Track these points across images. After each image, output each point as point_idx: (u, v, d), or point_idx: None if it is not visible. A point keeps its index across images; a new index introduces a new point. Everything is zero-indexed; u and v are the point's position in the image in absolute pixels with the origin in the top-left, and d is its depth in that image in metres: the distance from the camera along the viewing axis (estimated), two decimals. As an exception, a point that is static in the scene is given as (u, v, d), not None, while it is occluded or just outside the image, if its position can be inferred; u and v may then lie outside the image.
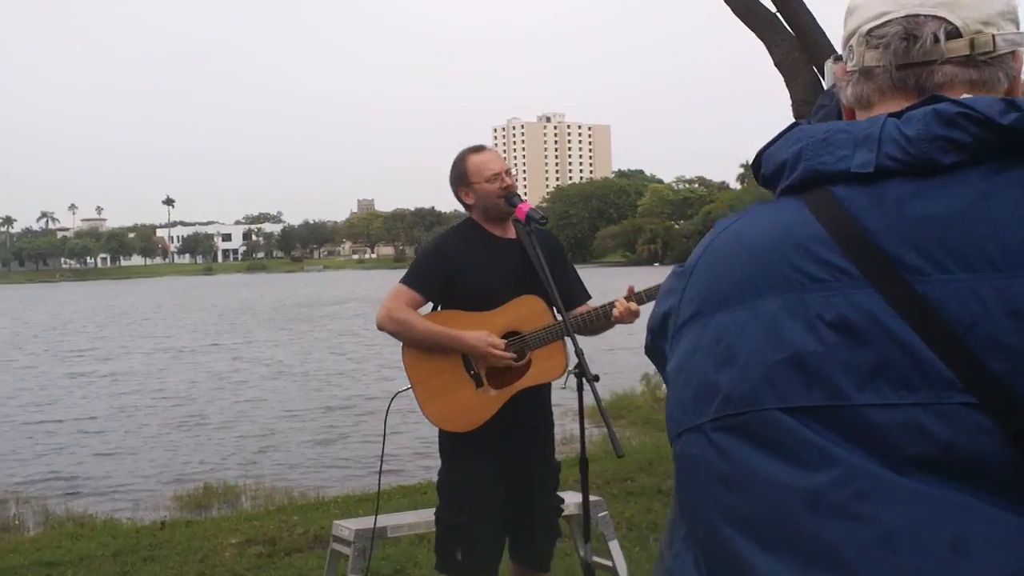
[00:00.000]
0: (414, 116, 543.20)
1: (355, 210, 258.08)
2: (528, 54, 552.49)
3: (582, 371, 3.66)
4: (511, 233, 3.97)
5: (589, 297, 4.13)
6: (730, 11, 8.07)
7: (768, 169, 1.16)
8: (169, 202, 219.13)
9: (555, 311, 3.87)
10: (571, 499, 4.53)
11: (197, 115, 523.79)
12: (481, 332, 3.77)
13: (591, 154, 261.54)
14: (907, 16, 1.15)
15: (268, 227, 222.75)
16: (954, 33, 1.13)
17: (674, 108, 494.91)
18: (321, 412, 17.18)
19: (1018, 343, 0.97)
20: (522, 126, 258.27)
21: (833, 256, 1.05)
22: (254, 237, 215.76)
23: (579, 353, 3.65)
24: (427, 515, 4.56)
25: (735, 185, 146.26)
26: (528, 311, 3.86)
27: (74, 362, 28.22)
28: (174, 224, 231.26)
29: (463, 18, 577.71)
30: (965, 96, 1.08)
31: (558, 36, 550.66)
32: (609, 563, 4.87)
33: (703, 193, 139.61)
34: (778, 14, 8.25)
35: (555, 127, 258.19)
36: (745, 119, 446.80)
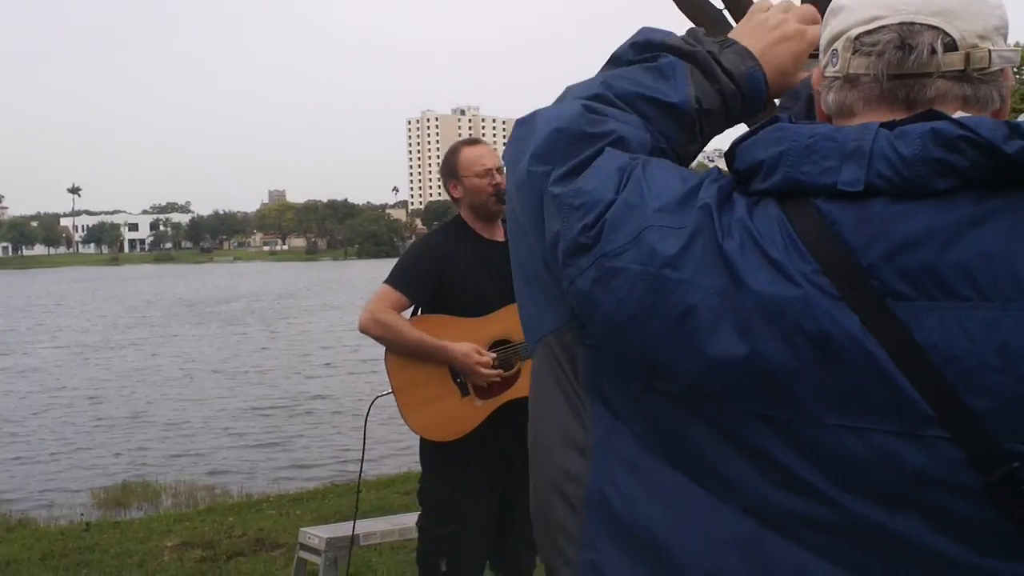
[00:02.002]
0: (326, 107, 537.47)
1: (266, 201, 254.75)
2: (443, 47, 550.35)
3: None
4: (500, 235, 3.82)
5: None
6: (676, 10, 8.13)
7: (742, 165, 1.07)
8: (75, 190, 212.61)
9: None
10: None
11: (105, 102, 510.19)
12: (469, 346, 3.63)
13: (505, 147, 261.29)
14: (902, 23, 1.08)
15: (176, 217, 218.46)
16: (951, 46, 1.07)
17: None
18: (243, 411, 16.96)
19: (1004, 383, 0.92)
20: (436, 118, 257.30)
21: (811, 271, 0.99)
22: (162, 227, 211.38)
23: None
24: (401, 522, 4.53)
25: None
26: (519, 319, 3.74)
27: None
28: (79, 213, 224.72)
29: (376, 9, 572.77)
30: (960, 115, 1.02)
31: (473, 29, 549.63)
32: None
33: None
34: (725, 11, 8.54)
35: (470, 120, 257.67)
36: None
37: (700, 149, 1.26)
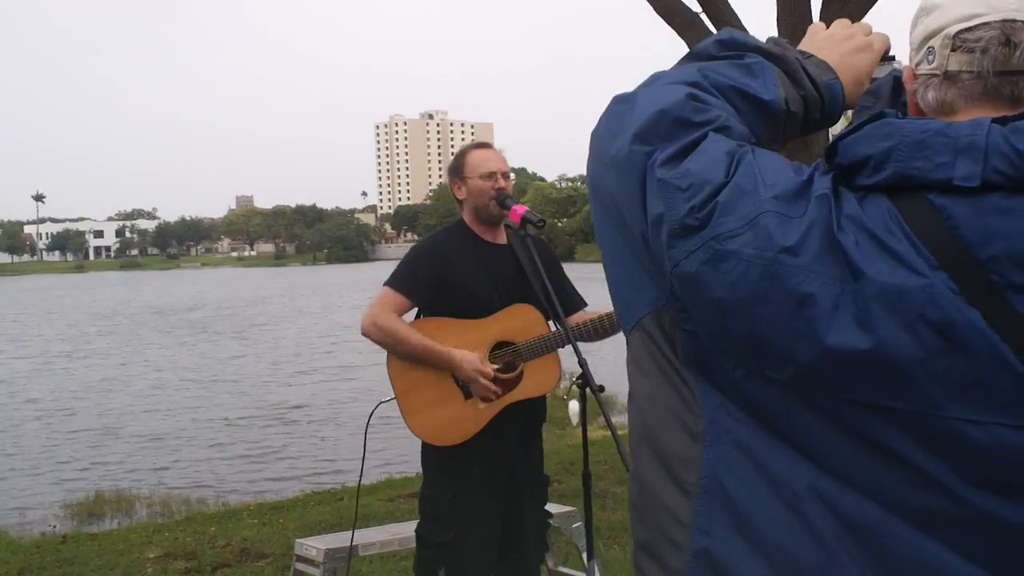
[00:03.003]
0: (294, 112, 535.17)
1: (233, 206, 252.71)
2: (412, 51, 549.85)
3: (586, 382, 3.51)
4: (502, 239, 3.81)
5: (585, 305, 3.96)
6: (636, 11, 8.07)
7: (845, 160, 1.08)
8: (39, 198, 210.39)
9: (551, 321, 3.73)
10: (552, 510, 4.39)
11: (69, 109, 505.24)
12: (473, 355, 3.59)
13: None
14: (1004, 21, 1.08)
15: (143, 224, 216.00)
16: None
17: (557, 108, 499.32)
18: (217, 420, 16.78)
19: None
20: (405, 123, 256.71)
21: (928, 265, 0.99)
22: (128, 234, 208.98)
23: (583, 364, 3.49)
24: (401, 531, 4.43)
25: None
26: (522, 321, 3.69)
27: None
28: (43, 220, 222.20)
29: (346, 12, 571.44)
30: None
31: (442, 32, 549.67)
32: (584, 575, 4.68)
33: (585, 192, 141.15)
34: (702, 14, 8.30)
35: (438, 124, 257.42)
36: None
37: (779, 151, 1.25)
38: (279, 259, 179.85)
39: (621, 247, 1.18)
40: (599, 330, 3.69)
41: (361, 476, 4.42)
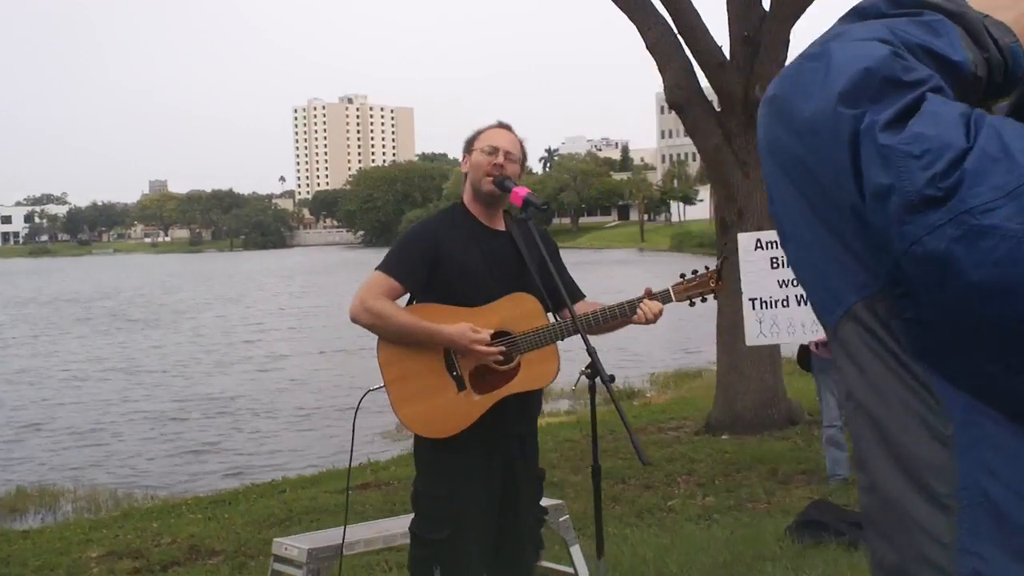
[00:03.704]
0: (209, 95, 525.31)
1: (147, 191, 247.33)
2: (332, 34, 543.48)
3: (596, 372, 3.38)
4: (500, 224, 3.65)
5: (583, 296, 3.83)
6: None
7: None
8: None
9: (550, 313, 3.63)
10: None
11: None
12: (465, 324, 3.42)
13: (394, 137, 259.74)
14: None
15: (52, 209, 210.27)
16: None
17: (478, 93, 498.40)
18: (139, 412, 16.51)
19: None
20: (323, 107, 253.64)
21: None
22: (37, 219, 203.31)
23: (592, 353, 3.37)
24: (386, 528, 4.33)
25: (537, 169, 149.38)
26: (520, 310, 3.54)
27: None
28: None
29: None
30: None
31: (364, 15, 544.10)
32: (571, 570, 4.72)
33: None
34: None
35: (357, 109, 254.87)
36: (552, 108, 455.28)
37: None
38: (194, 245, 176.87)
39: (814, 224, 1.05)
40: (596, 323, 3.58)
41: (350, 471, 4.38)
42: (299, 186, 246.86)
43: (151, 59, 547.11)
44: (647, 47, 9.11)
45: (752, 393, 9.12)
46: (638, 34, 9.15)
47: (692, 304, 3.80)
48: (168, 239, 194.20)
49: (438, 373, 3.49)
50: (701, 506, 6.90)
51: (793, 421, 9.32)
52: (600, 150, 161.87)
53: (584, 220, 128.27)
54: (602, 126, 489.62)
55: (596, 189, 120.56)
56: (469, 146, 3.66)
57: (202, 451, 13.32)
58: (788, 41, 9.19)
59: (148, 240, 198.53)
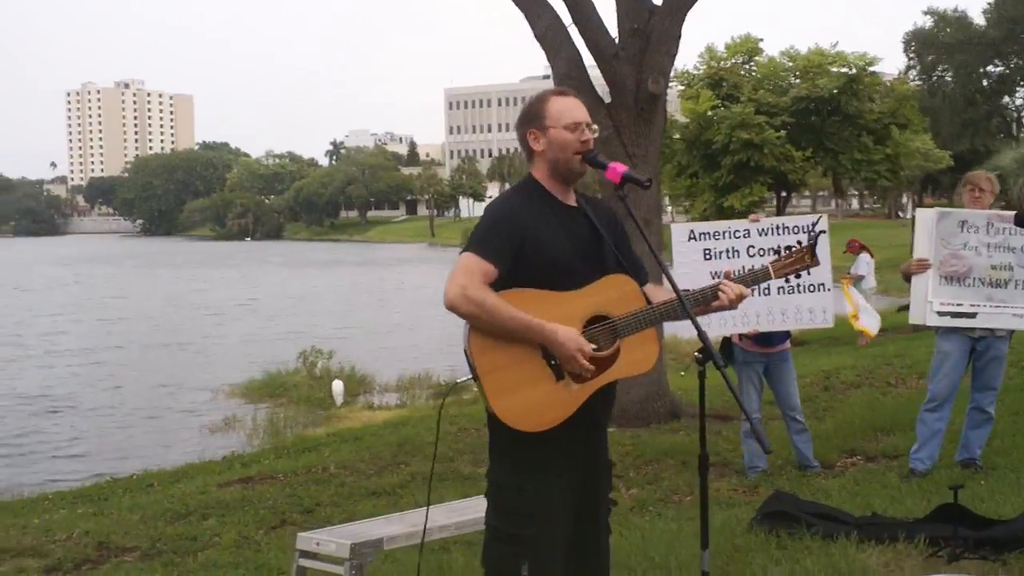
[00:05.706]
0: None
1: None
2: (107, 15, 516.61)
3: (708, 357, 3.29)
4: (572, 200, 3.46)
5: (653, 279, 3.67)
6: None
7: None
8: None
9: (645, 294, 3.45)
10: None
11: None
12: (574, 331, 3.25)
13: (172, 124, 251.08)
14: None
15: None
16: None
17: (261, 83, 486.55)
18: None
19: None
20: (98, 91, 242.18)
21: None
22: None
23: (703, 337, 3.27)
24: (421, 522, 4.13)
25: (324, 161, 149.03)
26: (619, 292, 3.38)
27: None
28: None
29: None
30: None
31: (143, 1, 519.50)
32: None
33: (294, 169, 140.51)
34: None
35: (134, 94, 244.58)
36: (336, 98, 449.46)
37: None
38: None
39: None
40: (693, 306, 3.41)
41: (434, 463, 4.46)
42: (72, 172, 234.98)
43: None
44: (536, 36, 9.12)
45: (638, 386, 8.96)
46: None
47: (787, 281, 3.75)
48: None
49: (534, 362, 3.28)
50: (630, 498, 6.73)
51: (676, 415, 9.43)
52: (385, 144, 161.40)
53: (372, 214, 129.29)
54: (386, 120, 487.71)
55: (385, 183, 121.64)
56: (536, 121, 3.41)
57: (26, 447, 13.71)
58: (679, 35, 9.25)
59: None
